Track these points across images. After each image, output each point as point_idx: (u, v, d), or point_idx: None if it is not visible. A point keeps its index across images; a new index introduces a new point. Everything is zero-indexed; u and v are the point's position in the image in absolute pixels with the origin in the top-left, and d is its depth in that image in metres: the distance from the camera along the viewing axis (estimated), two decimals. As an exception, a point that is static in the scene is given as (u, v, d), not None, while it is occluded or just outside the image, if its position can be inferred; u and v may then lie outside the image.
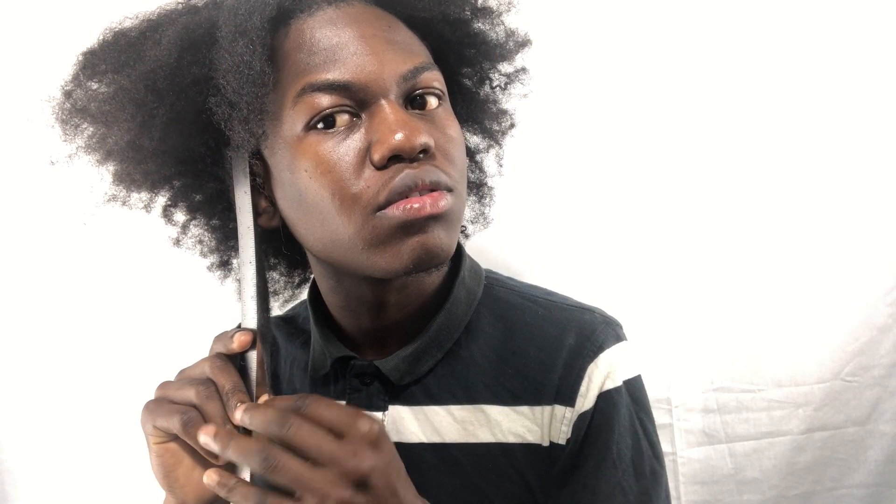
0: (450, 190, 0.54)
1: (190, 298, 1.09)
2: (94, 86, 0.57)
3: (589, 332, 0.61)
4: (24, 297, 1.19)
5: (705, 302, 1.13)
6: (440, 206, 0.52)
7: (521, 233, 1.12)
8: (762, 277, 1.13)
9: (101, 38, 0.58)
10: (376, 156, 0.51)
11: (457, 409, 0.61)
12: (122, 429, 1.15)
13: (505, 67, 0.69)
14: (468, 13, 0.62)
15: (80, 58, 0.58)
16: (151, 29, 0.57)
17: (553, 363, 0.60)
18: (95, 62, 0.57)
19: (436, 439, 0.61)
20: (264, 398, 0.54)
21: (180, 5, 0.60)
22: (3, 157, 1.14)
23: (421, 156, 0.53)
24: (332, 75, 0.52)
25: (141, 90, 0.54)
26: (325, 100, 0.52)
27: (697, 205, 1.13)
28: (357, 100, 0.53)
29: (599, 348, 0.60)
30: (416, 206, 0.51)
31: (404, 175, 0.51)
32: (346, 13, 0.55)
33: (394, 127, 0.51)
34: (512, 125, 0.73)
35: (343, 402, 0.63)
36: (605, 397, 0.59)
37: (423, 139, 0.52)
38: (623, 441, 0.58)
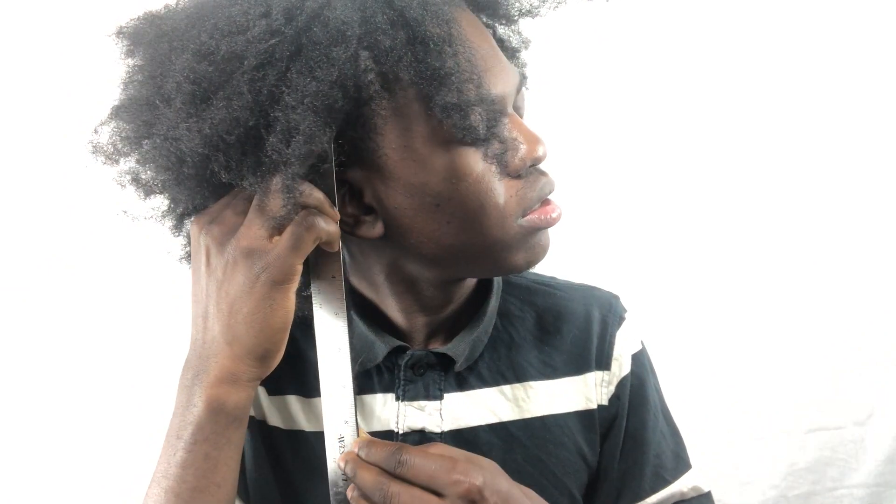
0: None
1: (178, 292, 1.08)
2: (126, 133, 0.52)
3: (608, 305, 0.68)
4: (21, 297, 1.18)
5: (705, 301, 1.13)
6: (560, 211, 0.58)
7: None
8: (762, 277, 1.13)
9: (122, 96, 0.52)
10: (518, 165, 0.54)
11: (508, 389, 0.65)
12: (117, 429, 1.15)
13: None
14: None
15: (110, 116, 0.52)
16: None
17: (588, 335, 0.66)
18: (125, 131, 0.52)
19: (493, 420, 0.64)
20: (363, 437, 0.53)
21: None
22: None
23: None
24: (494, 90, 0.52)
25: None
26: (478, 119, 0.52)
27: (699, 206, 1.13)
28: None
29: (621, 317, 0.68)
30: (553, 215, 0.56)
31: (544, 184, 0.56)
32: (469, 16, 0.55)
33: (532, 138, 0.55)
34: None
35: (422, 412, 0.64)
36: (635, 359, 0.67)
37: (546, 148, 0.56)
38: (652, 393, 0.67)
